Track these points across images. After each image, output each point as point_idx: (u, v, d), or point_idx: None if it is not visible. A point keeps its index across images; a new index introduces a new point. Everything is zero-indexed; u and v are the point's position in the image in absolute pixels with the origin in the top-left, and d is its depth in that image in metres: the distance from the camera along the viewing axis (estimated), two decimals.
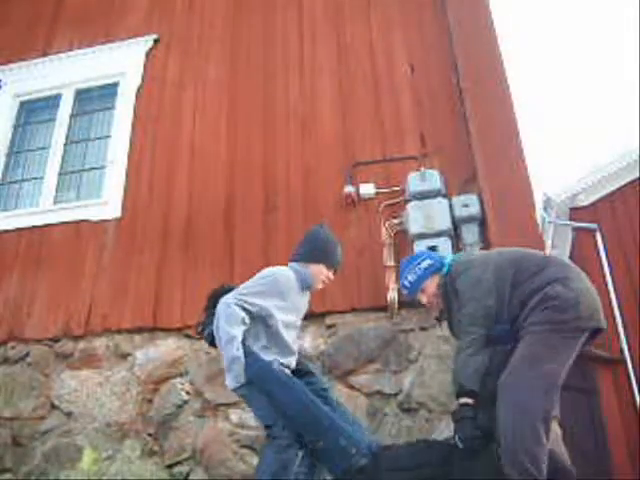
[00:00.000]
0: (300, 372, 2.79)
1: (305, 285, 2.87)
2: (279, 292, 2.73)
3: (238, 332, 2.58)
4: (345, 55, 4.67)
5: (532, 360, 2.37)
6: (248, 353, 2.58)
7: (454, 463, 2.42)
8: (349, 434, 2.51)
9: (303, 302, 2.92)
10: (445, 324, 3.63)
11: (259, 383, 2.57)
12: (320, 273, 2.88)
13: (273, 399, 2.55)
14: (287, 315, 2.75)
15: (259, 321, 2.68)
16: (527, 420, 2.28)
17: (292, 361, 2.76)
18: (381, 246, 3.81)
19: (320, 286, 2.92)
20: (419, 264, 2.84)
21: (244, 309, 2.63)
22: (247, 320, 2.63)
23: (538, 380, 2.34)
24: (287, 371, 2.69)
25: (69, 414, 3.90)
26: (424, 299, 2.87)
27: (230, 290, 2.78)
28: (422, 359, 3.55)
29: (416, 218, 3.73)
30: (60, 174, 4.96)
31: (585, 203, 8.59)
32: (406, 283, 2.87)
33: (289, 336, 2.74)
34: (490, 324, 2.52)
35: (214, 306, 2.75)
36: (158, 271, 4.20)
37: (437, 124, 4.20)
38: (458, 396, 2.50)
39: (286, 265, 2.92)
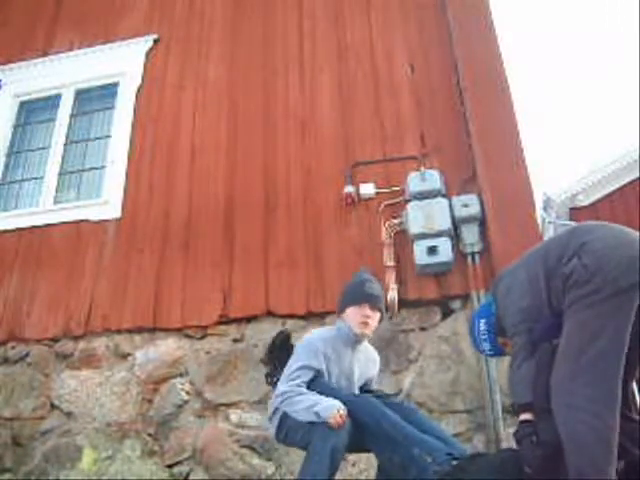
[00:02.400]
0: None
1: (347, 340, 2.66)
2: (315, 356, 2.58)
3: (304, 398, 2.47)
4: (345, 55, 4.67)
5: (570, 352, 2.01)
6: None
7: None
8: (422, 441, 2.30)
9: (357, 357, 2.71)
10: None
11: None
12: (354, 317, 2.65)
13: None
14: (334, 374, 2.63)
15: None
16: (586, 427, 1.90)
17: None
18: (381, 246, 3.81)
19: (365, 330, 2.65)
20: (479, 330, 2.55)
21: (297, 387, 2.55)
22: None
23: (586, 370, 1.95)
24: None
25: (69, 414, 3.90)
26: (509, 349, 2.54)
27: (287, 338, 2.80)
28: (422, 359, 3.55)
29: (416, 218, 3.73)
30: (60, 174, 4.96)
31: (585, 203, 8.60)
32: (489, 353, 2.58)
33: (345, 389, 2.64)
34: (532, 325, 2.18)
35: (277, 355, 2.77)
36: (158, 271, 4.20)
37: (437, 124, 4.20)
38: (516, 415, 2.18)
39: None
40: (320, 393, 2.45)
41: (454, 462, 2.19)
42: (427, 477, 2.16)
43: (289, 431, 2.51)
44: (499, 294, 2.34)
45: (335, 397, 2.42)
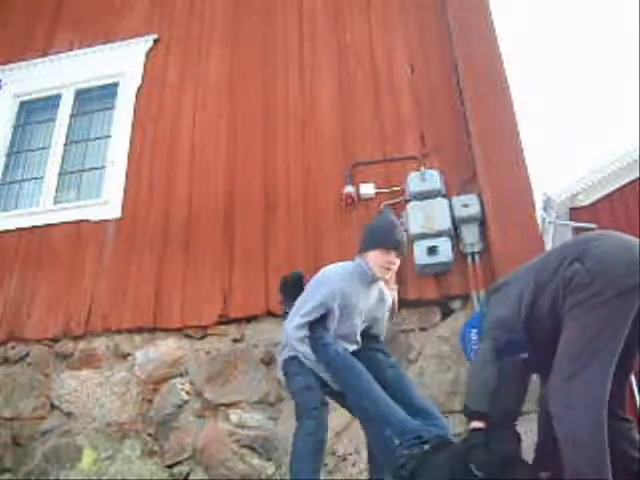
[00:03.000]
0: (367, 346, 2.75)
1: (365, 279, 2.68)
2: (331, 295, 2.61)
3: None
4: (345, 55, 4.67)
5: (568, 354, 2.01)
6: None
7: None
8: (396, 422, 2.27)
9: (370, 295, 2.72)
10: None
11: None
12: (376, 260, 2.65)
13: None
14: (346, 309, 2.66)
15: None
16: (585, 426, 1.92)
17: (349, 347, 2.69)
18: None
19: (385, 274, 2.69)
20: (470, 339, 2.65)
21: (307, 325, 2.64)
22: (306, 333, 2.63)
23: (583, 371, 1.96)
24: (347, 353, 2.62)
25: (69, 414, 3.90)
26: None
27: (299, 279, 2.83)
28: (422, 359, 3.55)
29: (416, 218, 3.73)
30: (60, 174, 4.96)
31: (585, 203, 8.59)
32: None
33: (350, 327, 2.69)
34: (500, 335, 2.18)
35: (292, 291, 2.82)
36: (158, 271, 4.20)
37: (437, 124, 4.20)
38: (467, 419, 2.20)
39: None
40: (319, 339, 2.57)
41: (421, 447, 2.17)
42: (393, 459, 2.18)
43: (289, 376, 2.67)
44: (490, 305, 2.36)
45: (328, 353, 2.53)
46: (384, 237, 2.70)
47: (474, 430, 2.12)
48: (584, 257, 2.08)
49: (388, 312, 2.88)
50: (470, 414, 2.15)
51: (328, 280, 2.67)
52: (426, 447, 2.17)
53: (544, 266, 2.23)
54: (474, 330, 2.57)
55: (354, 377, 2.47)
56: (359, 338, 2.74)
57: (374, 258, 2.67)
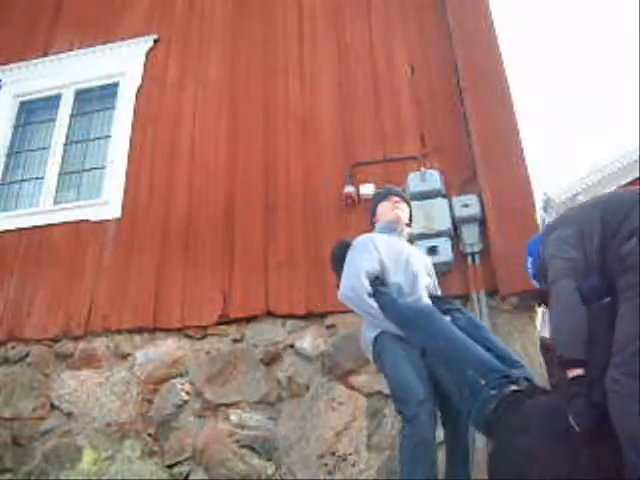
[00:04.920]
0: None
1: (389, 230, 2.82)
2: (371, 244, 2.66)
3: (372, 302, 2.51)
4: (345, 55, 4.67)
5: (619, 338, 1.89)
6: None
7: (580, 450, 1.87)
8: (478, 361, 2.11)
9: (407, 247, 2.83)
10: None
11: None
12: (384, 210, 2.89)
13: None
14: (395, 259, 2.68)
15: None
16: None
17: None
18: None
19: (398, 213, 2.86)
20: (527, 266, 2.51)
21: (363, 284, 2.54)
22: (368, 288, 2.54)
23: (629, 361, 1.83)
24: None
25: (69, 414, 3.90)
26: None
27: (347, 247, 2.76)
28: None
29: (416, 218, 3.71)
30: (60, 174, 4.96)
31: None
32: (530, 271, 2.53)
33: (410, 278, 2.64)
34: (577, 277, 2.07)
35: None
36: (158, 271, 4.20)
37: (437, 124, 4.20)
38: (564, 368, 2.01)
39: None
40: (382, 301, 2.48)
41: (510, 388, 1.96)
42: (479, 401, 1.98)
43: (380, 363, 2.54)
44: (549, 241, 2.25)
45: (394, 306, 2.43)
46: (380, 193, 3.02)
47: (573, 379, 1.95)
48: None
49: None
50: (568, 362, 1.99)
51: (360, 240, 2.72)
52: (513, 387, 1.98)
53: (605, 217, 2.10)
54: (530, 259, 2.50)
55: (426, 319, 2.35)
56: (425, 292, 2.66)
57: (382, 210, 2.89)
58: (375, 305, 2.49)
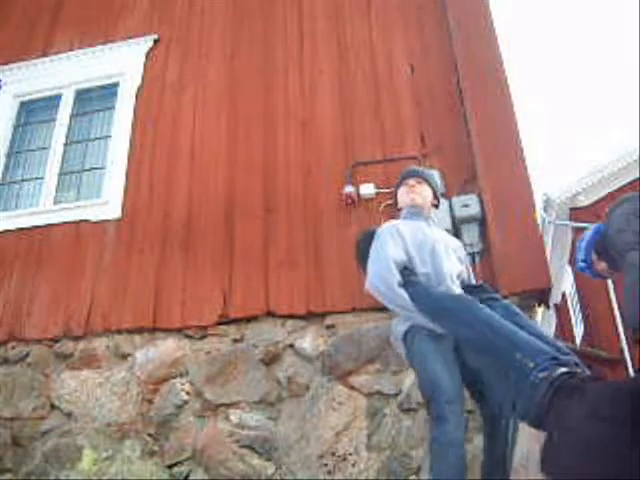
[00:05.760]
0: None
1: (411, 215, 2.73)
2: (395, 232, 2.56)
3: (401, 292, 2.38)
4: (345, 55, 4.67)
5: None
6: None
7: None
8: (525, 343, 1.96)
9: (433, 233, 2.68)
10: None
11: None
12: (402, 193, 2.81)
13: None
14: (421, 247, 2.55)
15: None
16: None
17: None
18: None
19: (413, 195, 2.75)
20: (581, 242, 2.56)
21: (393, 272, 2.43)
22: (397, 276, 2.41)
23: None
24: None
25: (69, 414, 3.90)
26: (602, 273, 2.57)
27: (371, 236, 2.66)
28: None
29: None
30: (60, 174, 4.96)
31: (585, 203, 8.61)
32: (582, 265, 2.62)
33: (439, 267, 2.51)
34: None
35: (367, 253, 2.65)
36: (158, 271, 4.20)
37: (437, 124, 4.20)
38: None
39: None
40: (414, 291, 2.37)
41: (560, 370, 1.80)
42: (527, 386, 1.82)
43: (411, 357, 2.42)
44: (613, 218, 2.31)
45: (427, 295, 2.33)
46: (398, 180, 2.90)
47: None
48: None
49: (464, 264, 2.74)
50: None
51: (383, 229, 2.62)
52: (564, 370, 1.81)
53: None
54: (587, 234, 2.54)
55: (463, 306, 2.22)
56: (454, 279, 2.54)
57: (399, 198, 2.82)
58: (406, 296, 2.36)
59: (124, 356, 4.00)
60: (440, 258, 2.53)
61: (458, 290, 2.48)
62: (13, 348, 4.22)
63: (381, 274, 2.43)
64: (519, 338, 1.97)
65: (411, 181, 2.80)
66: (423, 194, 2.78)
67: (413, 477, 3.24)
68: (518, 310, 2.35)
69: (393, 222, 2.70)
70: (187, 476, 3.56)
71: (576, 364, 1.87)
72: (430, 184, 2.83)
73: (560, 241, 9.43)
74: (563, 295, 11.76)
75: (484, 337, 2.05)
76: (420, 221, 2.70)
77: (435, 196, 2.85)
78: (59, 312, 4.23)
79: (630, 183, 8.49)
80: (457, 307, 2.24)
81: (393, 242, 2.51)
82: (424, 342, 2.35)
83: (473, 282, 2.70)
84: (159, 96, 4.97)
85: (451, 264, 2.57)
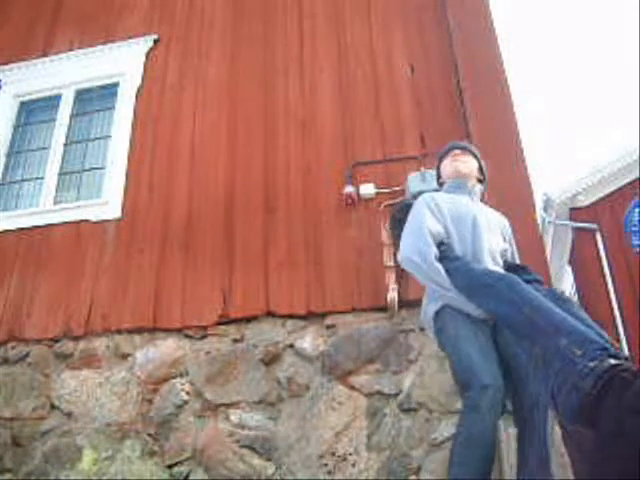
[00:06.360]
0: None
1: (455, 187, 2.57)
2: (432, 215, 2.37)
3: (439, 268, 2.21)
4: (345, 55, 4.67)
5: None
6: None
7: None
8: (573, 330, 1.78)
9: (475, 207, 2.51)
10: None
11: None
12: (445, 166, 2.68)
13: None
14: (460, 221, 2.39)
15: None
16: None
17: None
18: (381, 246, 3.81)
19: (458, 165, 2.62)
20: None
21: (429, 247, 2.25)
22: (434, 248, 2.25)
23: None
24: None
25: (69, 414, 3.90)
26: None
27: (407, 207, 2.52)
28: (422, 359, 3.55)
29: None
30: (60, 174, 4.96)
31: (585, 203, 8.60)
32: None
33: (480, 244, 2.35)
34: None
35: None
36: (158, 271, 4.20)
37: (437, 124, 4.20)
38: None
39: None
40: (451, 267, 2.19)
41: (610, 362, 1.65)
42: (573, 375, 1.66)
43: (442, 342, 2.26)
44: None
45: (467, 271, 2.15)
46: (443, 152, 2.76)
47: None
48: None
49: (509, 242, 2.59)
50: None
51: (420, 200, 2.46)
52: (613, 362, 1.65)
53: None
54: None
55: (507, 285, 2.02)
56: (496, 257, 2.36)
57: (444, 167, 2.68)
58: (443, 272, 2.17)
59: (124, 356, 4.00)
60: (481, 234, 2.35)
61: (499, 268, 2.30)
62: (13, 348, 4.22)
63: (417, 246, 2.25)
64: (566, 324, 1.80)
65: (456, 151, 2.68)
66: (468, 164, 2.65)
67: (413, 477, 3.24)
68: (565, 296, 2.14)
69: (432, 192, 2.56)
70: (187, 476, 3.56)
71: (626, 358, 1.72)
72: (476, 157, 2.72)
73: (560, 241, 9.43)
74: None
75: (527, 319, 1.88)
76: (463, 195, 2.53)
77: (481, 171, 2.71)
78: (59, 312, 4.23)
79: (630, 183, 8.48)
80: (499, 285, 2.04)
81: (430, 213, 2.36)
82: (457, 324, 2.16)
83: (517, 262, 2.54)
84: (159, 96, 4.97)
85: (494, 241, 2.40)
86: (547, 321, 1.83)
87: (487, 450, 1.92)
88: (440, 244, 2.28)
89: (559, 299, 2.02)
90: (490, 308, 2.06)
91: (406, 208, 2.48)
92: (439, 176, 2.76)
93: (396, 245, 2.48)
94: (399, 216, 2.53)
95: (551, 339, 1.77)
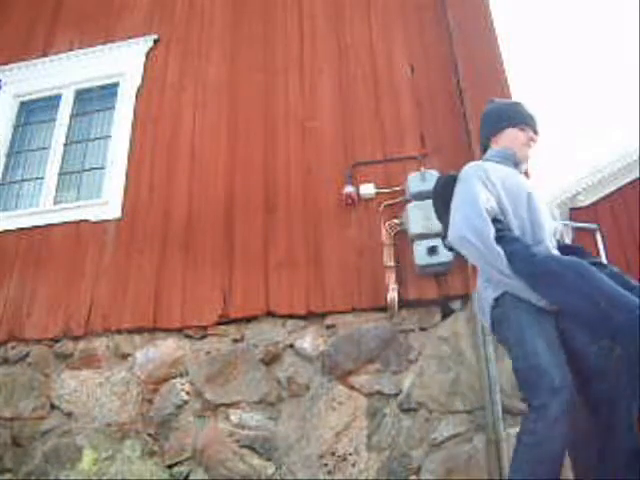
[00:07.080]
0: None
1: (501, 155, 2.27)
2: (485, 188, 2.06)
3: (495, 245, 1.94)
4: (345, 55, 4.67)
5: None
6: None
7: None
8: (613, 293, 1.66)
9: (523, 178, 2.25)
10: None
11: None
12: (515, 138, 2.27)
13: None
14: (514, 195, 2.10)
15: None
16: None
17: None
18: (381, 246, 3.81)
19: (528, 153, 2.28)
20: None
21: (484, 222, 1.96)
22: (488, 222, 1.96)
23: None
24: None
25: (69, 414, 3.90)
26: None
27: (452, 180, 2.20)
28: (422, 359, 3.55)
29: (416, 218, 3.72)
30: (60, 174, 4.96)
31: (585, 203, 8.60)
32: None
33: (531, 221, 2.07)
34: None
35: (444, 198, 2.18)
36: (158, 271, 4.20)
37: (437, 124, 4.20)
38: None
39: None
40: (511, 249, 1.93)
41: None
42: (609, 333, 1.60)
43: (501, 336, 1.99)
44: None
45: (530, 255, 1.89)
46: (519, 113, 2.30)
47: None
48: None
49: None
50: None
51: (469, 171, 2.15)
52: None
53: None
54: None
55: (577, 273, 1.80)
56: (552, 239, 2.10)
57: (512, 136, 2.27)
58: (503, 254, 1.90)
59: (124, 356, 4.00)
60: (539, 212, 2.07)
61: (555, 252, 2.04)
62: (13, 348, 4.22)
63: (473, 223, 1.94)
64: (625, 297, 1.65)
65: (533, 134, 2.29)
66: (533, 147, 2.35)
67: (413, 477, 3.24)
68: (634, 282, 1.86)
69: (480, 162, 2.25)
70: (187, 476, 3.56)
71: None
72: None
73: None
74: None
75: (603, 314, 1.69)
76: (511, 167, 2.24)
77: None
78: (59, 312, 4.23)
79: (630, 183, 8.48)
80: (570, 274, 1.81)
81: (483, 186, 2.05)
82: (522, 314, 1.90)
83: (568, 242, 2.31)
84: (159, 96, 4.97)
85: (549, 218, 2.15)
86: (623, 313, 1.64)
87: (555, 465, 1.70)
88: (494, 221, 1.99)
89: (630, 286, 1.81)
90: (556, 298, 1.84)
91: (452, 181, 2.18)
92: (493, 133, 2.35)
93: (443, 227, 2.17)
94: (443, 191, 2.19)
95: (628, 333, 1.61)
